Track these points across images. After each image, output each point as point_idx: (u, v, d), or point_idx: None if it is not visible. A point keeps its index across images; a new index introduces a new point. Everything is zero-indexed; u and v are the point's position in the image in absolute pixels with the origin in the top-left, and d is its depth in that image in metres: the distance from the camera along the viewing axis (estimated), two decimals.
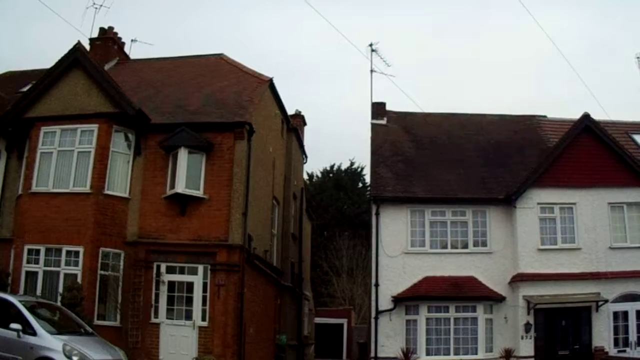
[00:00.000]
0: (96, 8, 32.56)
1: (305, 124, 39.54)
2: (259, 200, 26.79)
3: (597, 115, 28.74)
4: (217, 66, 30.83)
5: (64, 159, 24.40)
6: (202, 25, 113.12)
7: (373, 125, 32.27)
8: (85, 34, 37.07)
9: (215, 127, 24.77)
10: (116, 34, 33.30)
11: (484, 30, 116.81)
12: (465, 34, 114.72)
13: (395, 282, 26.88)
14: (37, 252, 23.47)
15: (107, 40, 32.73)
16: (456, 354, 25.92)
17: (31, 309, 17.35)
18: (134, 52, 34.78)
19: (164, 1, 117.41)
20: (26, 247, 23.64)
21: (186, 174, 23.98)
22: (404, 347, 25.92)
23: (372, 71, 34.10)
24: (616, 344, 25.68)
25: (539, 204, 26.98)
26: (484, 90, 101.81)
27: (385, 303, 26.77)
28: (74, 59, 25.11)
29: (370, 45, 34.39)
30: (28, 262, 23.48)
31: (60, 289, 22.40)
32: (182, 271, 23.86)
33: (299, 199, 37.18)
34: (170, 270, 23.85)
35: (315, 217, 48.89)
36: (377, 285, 27.05)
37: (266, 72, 29.21)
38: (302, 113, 38.78)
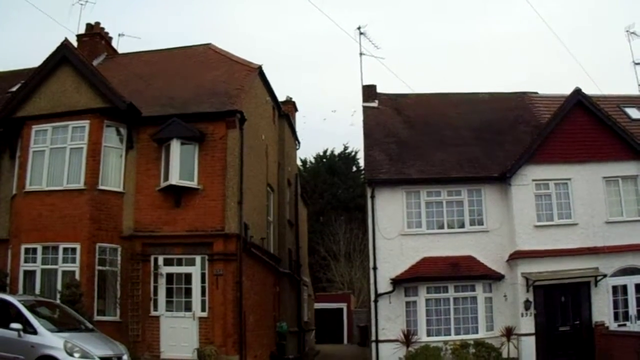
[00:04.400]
0: (82, 4, 32.53)
1: (296, 110, 39.69)
2: (254, 188, 26.79)
3: (589, 90, 28.65)
4: (205, 56, 30.79)
5: (56, 157, 24.39)
6: (187, 17, 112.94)
7: (365, 108, 32.16)
8: (72, 30, 36.94)
9: (206, 117, 24.77)
10: (103, 29, 33.14)
11: (472, 10, 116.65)
12: (454, 14, 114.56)
13: (393, 264, 26.78)
14: (34, 250, 23.51)
15: (94, 36, 32.57)
16: (457, 334, 25.85)
17: (31, 308, 17.41)
18: (122, 46, 34.77)
19: None
20: (23, 247, 23.66)
21: (179, 165, 24.02)
22: (405, 329, 25.93)
23: (361, 54, 33.85)
24: (616, 318, 25.60)
25: (533, 180, 26.88)
26: (475, 70, 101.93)
27: (384, 286, 26.69)
28: (62, 56, 25.08)
29: (359, 28, 34.13)
30: (25, 261, 23.51)
31: (59, 287, 22.44)
32: (179, 263, 23.95)
33: (293, 185, 37.27)
34: (167, 263, 23.94)
35: (310, 202, 48.94)
36: (375, 268, 26.97)
37: (255, 59, 29.23)
38: (293, 99, 38.82)
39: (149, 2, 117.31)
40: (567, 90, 28.26)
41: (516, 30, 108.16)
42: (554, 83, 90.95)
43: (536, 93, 33.66)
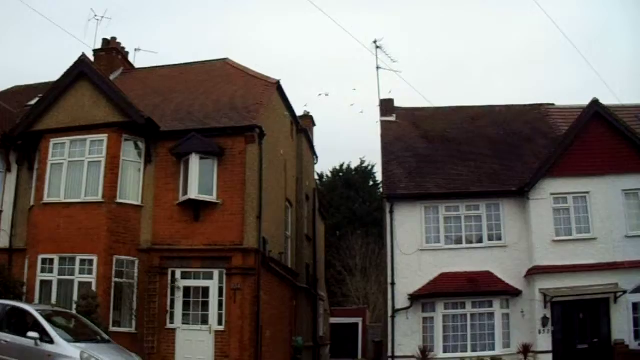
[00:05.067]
0: (98, 20, 33.01)
1: (314, 124, 39.62)
2: (272, 202, 26.77)
3: (607, 100, 28.29)
4: (223, 71, 30.87)
5: (74, 170, 24.65)
6: (203, 32, 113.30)
7: (382, 122, 32.00)
8: (89, 45, 37.27)
9: (225, 131, 24.78)
10: (119, 44, 33.52)
11: (488, 21, 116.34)
12: (470, 26, 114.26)
13: (411, 279, 26.64)
14: (51, 261, 23.74)
15: (111, 51, 32.94)
16: (473, 350, 25.63)
17: (47, 318, 17.43)
18: (138, 61, 35.27)
19: (165, 10, 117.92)
20: (40, 257, 23.91)
21: (198, 180, 24.07)
22: (422, 345, 25.74)
23: (378, 68, 33.65)
24: (637, 336, 24.98)
25: (552, 194, 26.58)
26: (493, 82, 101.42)
27: (401, 301, 26.58)
28: (80, 70, 25.36)
29: (375, 42, 33.91)
30: (42, 271, 23.78)
31: (75, 297, 22.61)
32: (197, 276, 23.94)
33: (311, 199, 37.19)
34: (185, 276, 23.96)
35: (327, 217, 48.83)
36: (393, 283, 26.83)
37: (271, 73, 29.30)
38: (311, 114, 38.84)
39: (164, 17, 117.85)
40: (585, 101, 28.03)
41: (532, 39, 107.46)
42: (571, 93, 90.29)
43: (553, 104, 33.37)
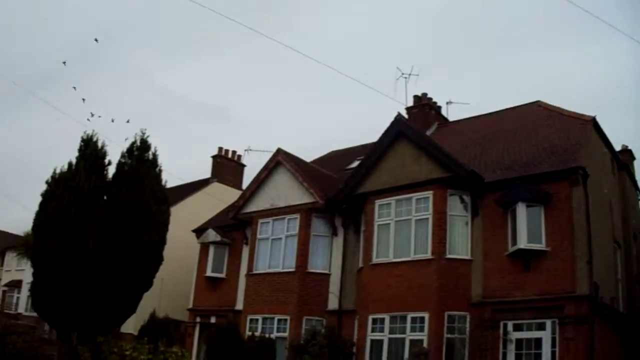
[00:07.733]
0: (405, 78, 33.94)
1: (633, 158, 37.35)
2: (601, 245, 25.71)
3: None
4: (535, 114, 30.64)
5: (401, 229, 25.45)
6: (508, 74, 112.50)
7: None
8: (401, 103, 38.59)
9: (548, 176, 24.30)
10: (430, 99, 34.49)
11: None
12: None
13: None
14: (382, 320, 24.49)
15: (423, 107, 34.08)
16: None
17: None
18: (451, 113, 36.06)
19: (468, 60, 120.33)
20: (370, 317, 24.79)
21: (526, 228, 23.73)
22: None
23: None
24: None
25: None
26: None
27: None
28: (398, 130, 26.38)
29: None
30: (373, 330, 24.66)
31: (406, 355, 23.06)
32: (529, 328, 23.41)
33: (639, 238, 35.40)
34: (516, 328, 23.52)
35: None
36: None
37: (579, 108, 28.53)
38: (629, 147, 37.22)
39: (470, 67, 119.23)
40: None
41: None
42: None
43: None
